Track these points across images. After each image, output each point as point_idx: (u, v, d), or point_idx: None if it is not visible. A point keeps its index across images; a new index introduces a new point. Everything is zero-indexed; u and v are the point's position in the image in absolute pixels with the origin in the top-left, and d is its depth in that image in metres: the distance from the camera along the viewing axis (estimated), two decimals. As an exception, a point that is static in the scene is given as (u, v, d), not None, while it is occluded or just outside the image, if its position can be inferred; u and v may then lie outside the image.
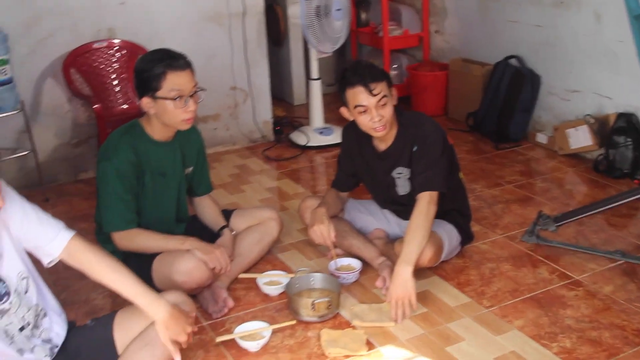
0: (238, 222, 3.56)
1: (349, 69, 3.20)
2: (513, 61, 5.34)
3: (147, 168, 3.16)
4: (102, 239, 3.31)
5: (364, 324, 3.03)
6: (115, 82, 4.87)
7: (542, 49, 5.15)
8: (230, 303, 3.22)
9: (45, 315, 2.38)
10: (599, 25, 4.66)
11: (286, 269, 3.55)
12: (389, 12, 6.12)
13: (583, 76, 4.86)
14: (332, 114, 5.88)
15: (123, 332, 2.51)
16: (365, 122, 3.17)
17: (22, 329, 2.26)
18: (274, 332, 2.98)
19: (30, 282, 2.32)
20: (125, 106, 4.89)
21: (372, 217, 3.67)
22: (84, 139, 4.95)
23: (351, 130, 3.35)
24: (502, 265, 3.50)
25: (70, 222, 4.07)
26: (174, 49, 3.08)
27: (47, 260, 2.40)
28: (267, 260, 3.64)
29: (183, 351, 2.74)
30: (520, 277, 3.38)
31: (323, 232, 3.32)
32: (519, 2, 5.27)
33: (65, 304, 2.47)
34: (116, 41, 4.85)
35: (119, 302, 3.21)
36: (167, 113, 3.03)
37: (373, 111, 3.12)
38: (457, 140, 5.26)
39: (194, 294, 3.15)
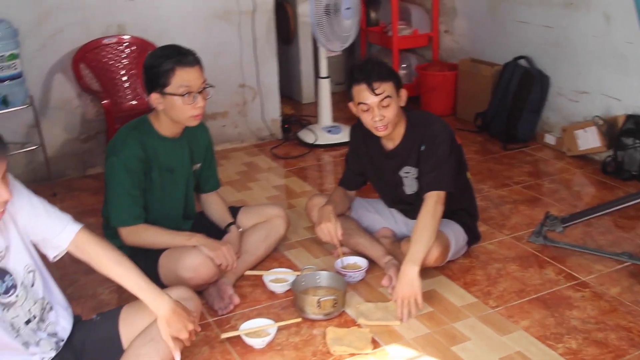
0: (245, 219, 3.57)
1: (357, 65, 3.20)
2: (522, 62, 5.33)
3: (155, 164, 3.17)
4: (109, 234, 3.32)
5: (369, 322, 3.02)
6: (124, 78, 4.88)
7: (552, 50, 5.14)
8: (236, 300, 3.22)
9: (51, 309, 2.39)
10: (609, 26, 4.65)
11: (292, 266, 3.55)
12: (398, 11, 6.12)
13: (592, 77, 4.85)
14: (341, 113, 5.89)
15: (128, 327, 2.52)
16: (367, 120, 3.17)
17: (28, 322, 2.27)
18: (280, 329, 2.98)
19: (36, 275, 2.33)
20: (134, 102, 4.90)
21: (379, 215, 3.66)
22: (93, 135, 4.97)
23: (359, 128, 3.35)
24: (508, 266, 3.50)
25: (78, 217, 4.09)
26: (183, 46, 3.09)
27: (53, 253, 2.41)
28: (273, 257, 3.65)
29: (188, 347, 2.76)
30: (527, 278, 3.38)
31: (330, 230, 3.32)
32: (529, 3, 5.26)
33: (72, 298, 2.48)
34: (126, 37, 4.86)
35: (125, 298, 3.23)
36: (175, 109, 3.03)
37: (375, 110, 3.12)
38: (466, 141, 5.26)
39: (200, 290, 3.16)
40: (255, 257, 3.51)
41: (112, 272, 2.42)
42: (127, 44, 4.87)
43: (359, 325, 3.02)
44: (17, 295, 2.24)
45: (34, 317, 2.30)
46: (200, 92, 3.04)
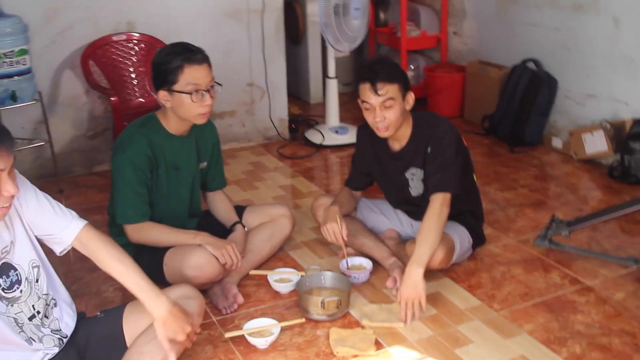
0: (250, 218, 3.57)
1: (367, 63, 3.21)
2: (530, 64, 5.31)
3: (162, 161, 3.18)
4: (114, 231, 3.33)
5: (373, 323, 3.02)
6: (132, 76, 4.89)
7: (560, 53, 5.13)
8: (240, 299, 3.22)
9: (55, 305, 2.40)
10: (618, 30, 4.64)
11: (297, 266, 3.55)
12: (407, 12, 6.12)
13: (600, 81, 4.84)
14: (348, 113, 5.90)
15: (132, 324, 2.53)
16: (369, 119, 3.19)
17: (31, 317, 2.28)
18: (283, 329, 2.98)
19: (41, 271, 2.34)
20: (142, 100, 4.91)
21: (385, 217, 3.66)
22: (100, 131, 4.98)
23: (366, 129, 3.35)
24: (513, 269, 3.49)
25: (84, 214, 4.09)
26: (192, 43, 3.09)
27: (59, 248, 2.42)
28: (278, 257, 3.65)
29: (191, 346, 2.77)
30: (532, 282, 3.37)
31: (335, 230, 3.32)
32: (538, 5, 5.25)
33: (76, 295, 2.48)
34: (135, 34, 4.87)
35: (129, 295, 3.19)
36: (183, 107, 3.04)
37: (377, 110, 3.12)
38: (472, 143, 5.24)
39: (204, 289, 3.16)
40: (260, 256, 3.51)
41: (113, 269, 2.42)
42: (136, 41, 4.88)
43: (362, 327, 3.02)
44: (21, 291, 2.25)
45: (38, 313, 2.31)
46: (208, 90, 3.04)
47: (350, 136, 5.30)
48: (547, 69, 5.23)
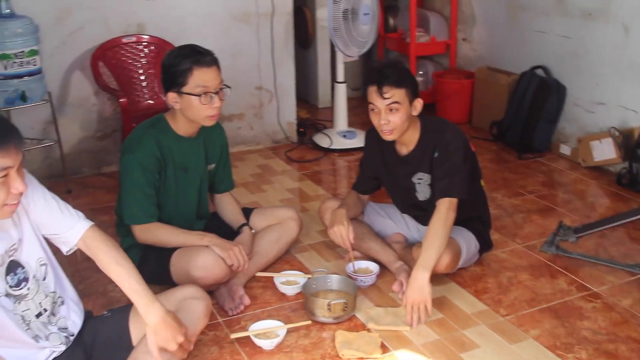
0: (258, 220, 3.57)
1: (377, 66, 3.22)
2: (539, 71, 5.32)
3: (170, 163, 3.19)
4: (122, 232, 3.34)
5: (379, 327, 3.02)
6: (142, 77, 4.90)
7: (569, 60, 5.12)
8: (247, 301, 3.22)
9: (62, 303, 2.40)
10: (627, 38, 4.64)
11: (304, 269, 3.56)
12: (417, 18, 6.12)
13: (609, 88, 4.84)
14: (356, 118, 5.91)
15: (139, 324, 2.52)
16: (375, 122, 3.20)
17: (39, 315, 2.28)
18: (289, 331, 2.99)
19: (48, 269, 2.35)
20: (151, 101, 4.92)
21: (392, 221, 3.67)
22: (109, 133, 4.99)
23: (374, 133, 3.35)
24: (520, 275, 3.49)
25: (92, 214, 4.12)
26: (201, 46, 3.10)
27: (65, 248, 2.43)
28: (285, 260, 3.65)
29: (197, 345, 2.78)
30: (538, 287, 3.37)
31: (342, 233, 3.32)
32: (548, 13, 5.25)
33: (83, 294, 2.49)
34: (145, 37, 4.89)
35: (136, 295, 3.25)
36: (192, 109, 3.05)
37: (382, 114, 3.13)
38: (481, 149, 5.24)
39: (211, 290, 3.16)
40: (267, 258, 3.51)
41: (111, 270, 2.41)
42: (145, 43, 4.89)
43: (368, 330, 3.02)
44: (28, 288, 2.26)
45: (45, 310, 2.31)
46: (217, 93, 3.05)
47: (358, 141, 5.31)
48: (556, 76, 5.22)
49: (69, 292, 2.46)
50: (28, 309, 2.26)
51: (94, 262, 2.48)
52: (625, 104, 4.73)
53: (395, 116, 3.13)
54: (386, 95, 3.09)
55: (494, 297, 3.29)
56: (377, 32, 5.25)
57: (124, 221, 3.22)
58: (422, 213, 3.43)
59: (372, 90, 3.13)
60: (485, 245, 3.56)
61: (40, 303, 2.30)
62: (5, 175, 2.04)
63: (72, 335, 2.41)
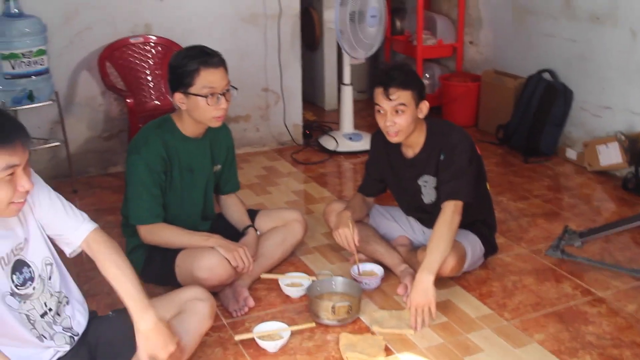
0: (263, 222, 3.57)
1: (385, 68, 3.23)
2: (546, 75, 5.31)
3: (176, 163, 3.19)
4: (128, 232, 3.35)
5: (383, 330, 3.02)
6: (149, 78, 4.91)
7: (576, 64, 5.12)
8: (251, 302, 3.23)
9: (67, 303, 2.40)
10: (634, 42, 4.63)
11: (308, 271, 3.56)
12: (424, 21, 6.12)
13: (616, 93, 4.83)
14: (363, 120, 5.91)
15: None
16: (380, 124, 3.21)
17: (43, 315, 2.29)
18: (293, 333, 2.99)
19: (54, 268, 2.35)
20: (157, 102, 4.93)
21: (397, 223, 3.67)
22: (115, 133, 5.00)
23: (380, 135, 3.35)
24: (525, 279, 3.49)
25: (97, 214, 4.15)
26: (208, 47, 3.11)
27: (68, 250, 2.42)
28: (289, 262, 3.65)
29: (201, 347, 2.78)
30: (543, 291, 3.36)
31: (347, 235, 3.32)
32: (555, 16, 5.25)
33: (88, 295, 2.50)
34: (152, 37, 4.90)
35: (141, 296, 3.25)
36: (198, 109, 3.05)
37: (388, 115, 3.13)
38: (486, 152, 5.24)
39: (215, 291, 3.16)
40: (272, 260, 3.51)
41: (109, 273, 2.39)
42: (153, 44, 4.90)
43: (372, 333, 3.03)
44: (34, 288, 2.26)
45: (50, 310, 2.31)
46: (223, 94, 3.06)
47: (364, 143, 5.30)
48: (563, 80, 5.22)
49: (74, 292, 2.47)
50: (33, 308, 2.26)
51: (98, 263, 2.48)
52: (632, 109, 4.72)
53: (401, 118, 3.13)
54: (392, 97, 3.10)
55: (499, 301, 3.29)
56: (384, 35, 5.24)
57: (129, 221, 3.22)
58: (428, 216, 3.43)
59: (379, 92, 3.14)
60: (491, 248, 3.55)
61: (45, 303, 2.30)
62: (12, 174, 2.04)
63: (77, 335, 2.41)
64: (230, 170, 3.52)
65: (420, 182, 3.35)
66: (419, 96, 3.17)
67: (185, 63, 3.02)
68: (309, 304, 3.16)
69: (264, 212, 3.65)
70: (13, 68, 4.15)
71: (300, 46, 5.53)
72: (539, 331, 3.03)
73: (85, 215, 2.46)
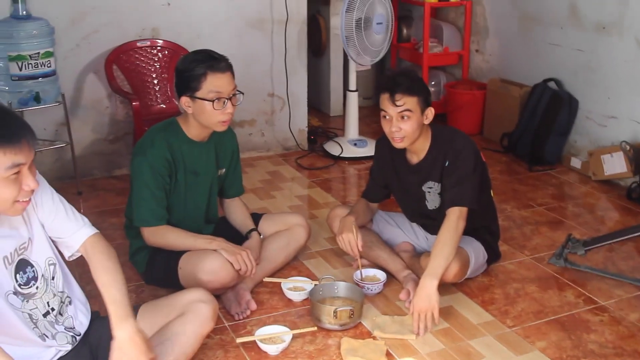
0: (266, 226, 3.58)
1: (390, 74, 3.24)
2: (551, 84, 5.31)
3: (181, 166, 3.20)
4: (131, 234, 3.36)
5: (384, 335, 3.02)
6: (155, 81, 4.92)
7: (582, 74, 5.12)
8: (253, 306, 3.23)
9: (70, 303, 2.41)
10: (641, 52, 4.65)
11: (311, 276, 3.56)
12: (430, 29, 6.13)
13: (621, 102, 4.83)
14: (367, 127, 5.92)
15: (145, 325, 2.51)
16: (386, 129, 3.21)
17: (46, 314, 2.29)
18: (295, 337, 2.99)
19: (57, 268, 2.35)
20: (163, 105, 4.94)
21: (400, 229, 3.67)
22: (121, 136, 5.01)
23: (385, 141, 3.36)
24: (527, 286, 3.48)
25: (101, 216, 4.16)
26: (216, 51, 3.12)
27: (67, 253, 2.43)
28: (292, 266, 3.66)
29: (202, 349, 2.78)
30: (546, 299, 3.36)
31: (351, 240, 3.33)
32: (561, 26, 5.25)
33: (90, 295, 2.49)
34: (159, 41, 4.91)
35: (142, 298, 3.27)
36: (204, 113, 3.06)
37: (393, 121, 3.14)
38: (491, 160, 5.24)
39: (218, 294, 3.16)
40: (275, 264, 3.51)
41: (98, 278, 2.37)
42: (159, 47, 4.92)
43: (374, 337, 3.02)
44: (37, 287, 2.27)
45: (52, 310, 2.32)
46: (230, 98, 3.07)
47: (368, 149, 5.31)
48: (569, 89, 5.22)
49: (77, 292, 2.47)
50: (36, 308, 2.27)
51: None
52: (637, 118, 4.72)
53: (406, 124, 3.14)
54: (398, 103, 3.11)
55: (501, 308, 3.29)
56: (390, 42, 5.25)
57: (133, 223, 3.23)
58: (431, 222, 3.43)
59: (385, 98, 3.15)
60: (494, 255, 3.55)
61: (48, 302, 2.31)
62: (18, 172, 2.05)
63: (79, 335, 2.41)
64: (235, 174, 3.53)
65: (425, 188, 3.36)
66: (425, 102, 3.18)
67: (193, 67, 3.03)
68: (311, 308, 3.16)
69: (268, 216, 3.66)
70: (20, 69, 4.16)
71: (307, 52, 5.54)
72: (541, 339, 3.03)
73: (86, 219, 2.47)
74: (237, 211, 3.57)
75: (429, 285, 2.99)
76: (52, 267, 2.34)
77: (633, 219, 4.32)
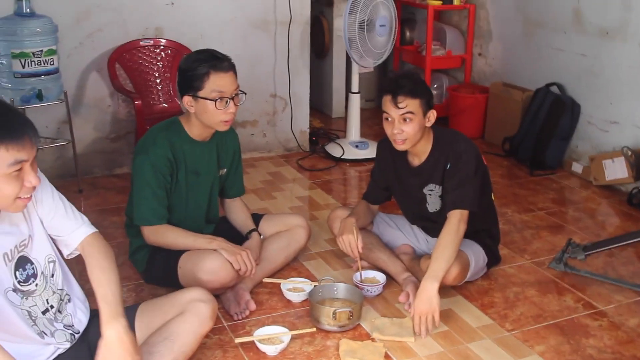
0: (267, 227, 3.58)
1: (393, 77, 3.24)
2: (554, 88, 5.31)
3: (182, 166, 3.20)
4: (131, 233, 3.36)
5: (383, 337, 3.02)
6: (157, 81, 4.93)
7: (584, 78, 5.12)
8: (252, 306, 3.23)
9: (69, 300, 2.41)
10: (644, 58, 4.65)
11: (311, 277, 3.56)
12: (433, 31, 6.13)
13: (623, 108, 4.83)
14: (369, 129, 5.93)
15: (144, 324, 2.54)
16: (388, 131, 3.21)
17: (45, 311, 2.29)
18: (293, 338, 2.99)
19: (57, 266, 2.35)
20: (165, 105, 4.94)
21: (401, 232, 3.67)
22: (122, 134, 5.02)
23: (386, 143, 3.36)
24: (527, 290, 3.48)
25: (102, 215, 4.16)
26: (219, 51, 3.12)
27: (66, 251, 2.43)
28: (292, 267, 3.66)
29: (201, 349, 2.79)
30: (545, 304, 3.36)
31: (351, 242, 3.33)
32: (564, 30, 5.25)
33: (89, 294, 2.49)
34: (162, 40, 4.91)
35: (142, 296, 3.28)
36: (207, 113, 3.06)
37: (395, 123, 3.14)
38: (492, 164, 5.24)
39: (217, 294, 3.16)
40: (275, 265, 3.51)
41: (93, 276, 2.36)
42: (162, 47, 4.92)
43: (373, 339, 3.02)
44: (36, 285, 2.27)
45: (52, 307, 2.32)
46: (232, 98, 3.07)
47: (370, 151, 5.31)
48: (571, 94, 5.22)
49: (76, 290, 2.47)
50: (35, 305, 2.27)
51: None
52: (639, 124, 4.72)
53: (408, 126, 3.14)
54: (400, 105, 3.11)
55: (500, 311, 3.29)
56: (393, 44, 5.25)
57: (133, 222, 3.23)
58: (432, 225, 3.43)
59: (387, 100, 3.15)
60: (494, 259, 3.55)
61: (47, 300, 2.31)
62: (20, 169, 2.05)
63: (78, 333, 2.41)
64: (236, 174, 3.53)
65: (426, 190, 3.36)
66: (427, 105, 3.18)
67: (195, 67, 3.03)
68: (310, 309, 3.16)
69: (268, 217, 3.66)
70: (23, 67, 4.16)
71: (310, 53, 5.54)
72: (539, 343, 3.03)
73: (85, 218, 2.47)
74: (237, 211, 3.57)
75: (429, 287, 2.99)
76: (51, 264, 2.34)
77: (634, 225, 4.32)
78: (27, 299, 2.24)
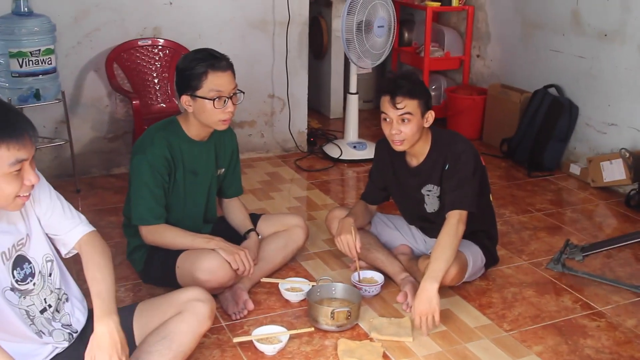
0: (265, 226, 3.57)
1: (392, 77, 3.24)
2: (552, 90, 5.31)
3: (180, 165, 3.20)
4: (129, 232, 3.36)
5: (381, 337, 3.02)
6: (155, 81, 4.92)
7: (583, 80, 5.13)
8: (250, 306, 3.22)
9: (67, 300, 2.41)
10: (642, 60, 4.65)
11: (309, 277, 3.56)
12: (432, 33, 6.13)
13: (621, 109, 4.84)
14: (367, 130, 5.93)
15: (142, 323, 2.53)
16: (386, 132, 3.21)
17: (43, 311, 2.29)
18: (291, 337, 2.99)
19: (54, 265, 2.35)
20: (163, 105, 4.94)
21: (399, 232, 3.67)
22: (120, 134, 5.01)
23: (385, 143, 3.36)
24: (525, 291, 3.48)
25: (99, 214, 4.16)
26: (217, 50, 3.12)
27: (64, 250, 2.43)
28: (290, 267, 3.66)
29: (199, 349, 2.78)
30: (543, 304, 3.36)
31: (349, 242, 3.33)
32: (563, 32, 5.26)
33: (87, 293, 2.48)
34: (160, 40, 4.91)
35: (139, 296, 3.28)
36: (205, 112, 3.06)
37: (394, 123, 3.14)
38: (490, 165, 5.24)
39: (215, 294, 3.16)
40: (273, 265, 3.51)
41: (89, 274, 2.37)
42: (160, 47, 4.92)
43: (371, 339, 3.02)
44: (34, 284, 2.27)
45: (50, 306, 2.32)
46: (230, 97, 3.07)
47: (368, 152, 5.31)
48: (569, 96, 5.22)
49: (74, 289, 2.47)
50: (33, 304, 2.27)
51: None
52: (637, 126, 4.72)
53: (406, 127, 3.14)
54: (399, 106, 3.11)
55: (498, 312, 3.29)
56: (391, 45, 5.25)
57: (131, 222, 3.22)
58: (430, 225, 3.43)
59: (385, 100, 3.15)
60: (492, 260, 3.55)
61: (45, 299, 2.31)
62: (20, 169, 2.05)
63: (76, 332, 2.41)
64: (234, 174, 3.52)
65: (424, 191, 3.36)
66: (426, 106, 3.18)
67: (193, 66, 3.03)
68: (308, 309, 3.16)
69: (266, 217, 3.65)
70: (20, 66, 4.16)
71: (308, 54, 5.54)
72: (537, 343, 3.03)
73: (83, 217, 2.47)
74: (235, 211, 3.56)
75: (429, 288, 2.99)
76: (49, 263, 2.34)
77: (631, 226, 4.32)
78: (24, 298, 2.24)
